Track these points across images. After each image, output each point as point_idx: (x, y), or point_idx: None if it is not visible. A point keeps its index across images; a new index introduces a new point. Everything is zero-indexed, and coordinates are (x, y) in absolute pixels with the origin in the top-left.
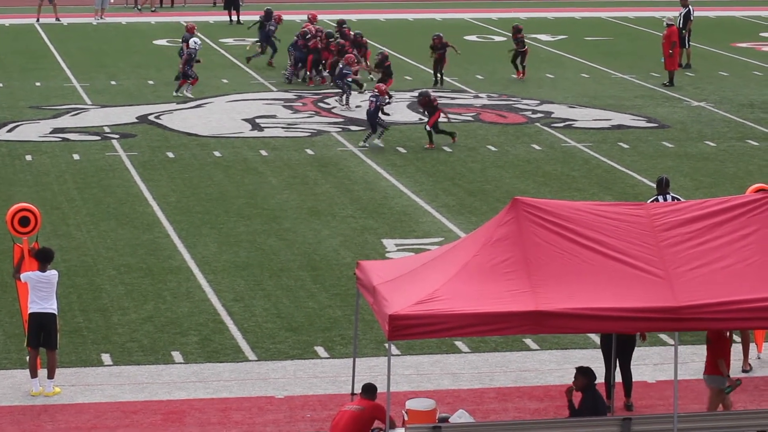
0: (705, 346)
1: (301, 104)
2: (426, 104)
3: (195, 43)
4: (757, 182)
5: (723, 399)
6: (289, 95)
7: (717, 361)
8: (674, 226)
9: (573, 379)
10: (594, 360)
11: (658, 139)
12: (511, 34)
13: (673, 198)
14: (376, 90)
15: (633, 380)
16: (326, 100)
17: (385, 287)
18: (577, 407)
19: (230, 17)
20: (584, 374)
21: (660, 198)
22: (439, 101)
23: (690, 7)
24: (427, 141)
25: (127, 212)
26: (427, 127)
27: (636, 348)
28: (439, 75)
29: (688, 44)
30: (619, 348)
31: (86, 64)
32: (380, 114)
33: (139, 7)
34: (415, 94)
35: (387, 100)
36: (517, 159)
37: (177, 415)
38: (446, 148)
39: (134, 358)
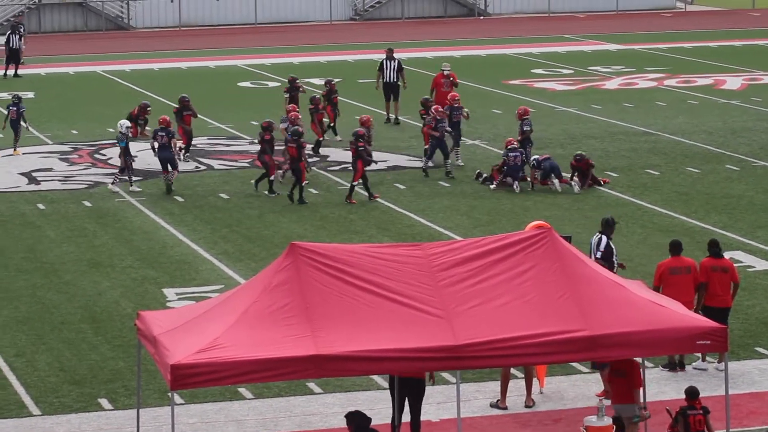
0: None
1: (77, 156)
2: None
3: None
4: (534, 217)
5: (633, 428)
6: (65, 147)
7: (633, 391)
8: (452, 265)
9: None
10: (378, 401)
11: (434, 179)
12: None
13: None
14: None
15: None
16: (101, 152)
17: (166, 337)
18: None
19: (6, 71)
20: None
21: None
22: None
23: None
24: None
25: None
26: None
27: None
28: None
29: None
30: (409, 390)
31: None
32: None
33: None
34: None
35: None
36: (293, 203)
37: None
38: (223, 195)
39: None
